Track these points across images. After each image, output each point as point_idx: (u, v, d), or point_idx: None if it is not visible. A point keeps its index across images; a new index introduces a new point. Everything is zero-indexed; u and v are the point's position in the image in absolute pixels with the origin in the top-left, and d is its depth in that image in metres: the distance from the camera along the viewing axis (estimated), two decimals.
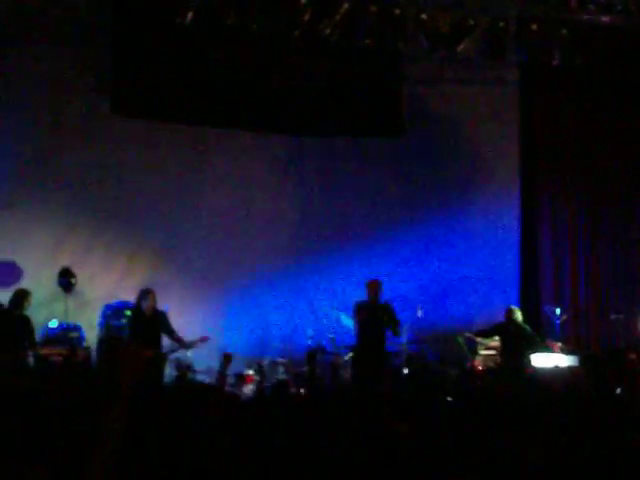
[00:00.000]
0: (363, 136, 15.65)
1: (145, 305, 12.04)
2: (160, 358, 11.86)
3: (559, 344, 13.94)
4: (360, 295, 13.02)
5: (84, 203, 14.22)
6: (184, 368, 12.56)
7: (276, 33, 14.15)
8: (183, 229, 14.71)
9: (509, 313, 13.64)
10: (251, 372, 13.15)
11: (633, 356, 12.80)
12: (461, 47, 13.78)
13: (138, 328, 11.96)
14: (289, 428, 5.56)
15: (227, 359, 8.05)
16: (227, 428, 5.59)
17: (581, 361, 13.46)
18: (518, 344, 13.31)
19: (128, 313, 12.64)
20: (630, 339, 15.12)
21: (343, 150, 15.60)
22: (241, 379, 12.91)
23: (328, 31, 13.35)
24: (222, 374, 7.98)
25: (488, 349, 14.13)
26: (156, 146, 14.64)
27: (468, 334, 14.22)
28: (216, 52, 14.70)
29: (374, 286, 12.65)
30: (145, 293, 12.18)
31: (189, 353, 12.65)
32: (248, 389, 12.66)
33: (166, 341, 12.32)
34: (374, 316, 12.36)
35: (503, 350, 13.55)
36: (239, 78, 14.85)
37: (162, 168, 14.66)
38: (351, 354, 13.03)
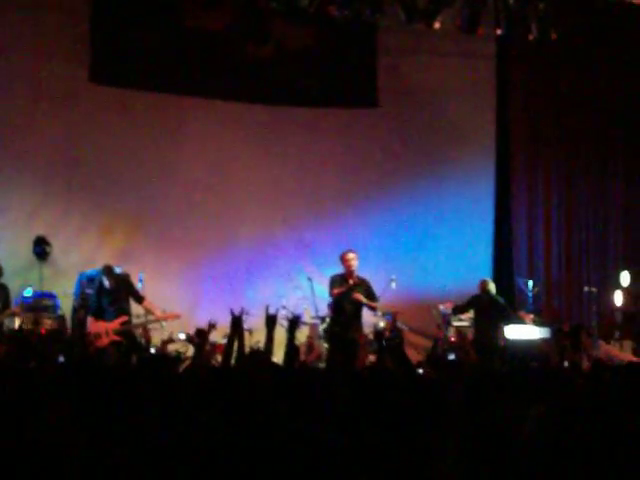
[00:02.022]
0: (338, 106, 15.67)
1: (105, 283, 11.97)
2: (127, 330, 11.83)
3: (532, 316, 14.05)
4: (335, 266, 13.07)
5: (59, 171, 14.21)
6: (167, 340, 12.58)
7: (254, 3, 14.12)
8: (159, 198, 14.70)
9: (482, 285, 13.71)
10: (224, 342, 13.15)
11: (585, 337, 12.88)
12: (438, 20, 13.76)
13: (103, 302, 11.95)
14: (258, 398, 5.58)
15: (203, 334, 8.04)
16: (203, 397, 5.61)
17: (553, 333, 13.59)
18: (491, 316, 13.38)
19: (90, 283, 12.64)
20: (602, 312, 15.29)
21: (319, 120, 15.60)
22: (215, 349, 12.92)
23: (306, 2, 13.29)
24: (200, 349, 7.98)
25: (461, 320, 14.22)
26: (133, 114, 14.61)
27: (442, 306, 14.30)
28: (193, 21, 14.68)
29: (349, 258, 12.63)
30: (104, 272, 12.07)
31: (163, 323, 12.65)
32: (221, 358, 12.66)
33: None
34: (350, 290, 12.36)
35: (476, 322, 13.63)
36: (216, 47, 14.84)
37: (138, 137, 14.63)
38: (325, 326, 13.09)
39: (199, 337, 7.71)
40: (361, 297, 12.40)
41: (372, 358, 11.82)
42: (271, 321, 7.63)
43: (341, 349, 11.96)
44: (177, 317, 12.26)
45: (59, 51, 14.16)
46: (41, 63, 14.08)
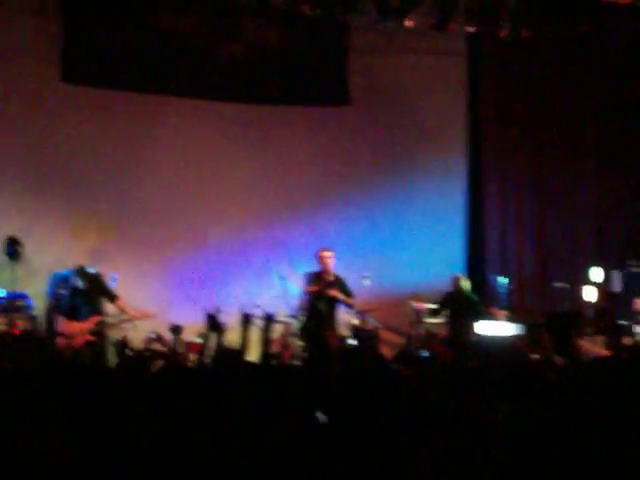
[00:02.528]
0: (310, 104, 15.70)
1: (80, 283, 11.95)
2: (101, 330, 11.80)
3: (504, 312, 14.11)
4: (308, 263, 13.09)
5: (31, 171, 14.14)
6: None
7: (225, 2, 14.13)
8: (131, 197, 14.68)
9: (455, 281, 13.77)
10: (199, 340, 13.13)
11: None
12: (409, 18, 13.82)
13: (77, 302, 11.92)
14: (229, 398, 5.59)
15: (176, 332, 8.04)
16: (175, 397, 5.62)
17: (525, 329, 13.66)
18: (464, 313, 13.43)
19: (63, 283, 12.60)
20: (574, 307, 15.36)
21: (291, 118, 15.62)
22: (189, 348, 12.89)
23: (278, 0, 13.32)
24: (173, 347, 7.98)
25: (429, 314, 14.25)
26: (105, 114, 14.57)
27: (414, 303, 14.33)
28: (165, 20, 14.66)
29: (326, 256, 12.64)
30: (76, 273, 12.05)
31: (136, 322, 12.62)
32: (196, 357, 12.64)
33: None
34: (325, 288, 12.38)
35: (450, 318, 13.67)
36: (188, 46, 14.84)
37: (111, 136, 14.60)
38: (299, 324, 13.10)
39: (174, 334, 7.72)
40: (338, 293, 12.44)
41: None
42: (246, 320, 7.65)
43: (316, 346, 11.98)
44: (151, 316, 12.24)
45: (30, 50, 14.09)
46: (11, 62, 14.00)
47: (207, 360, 7.26)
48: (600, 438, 4.95)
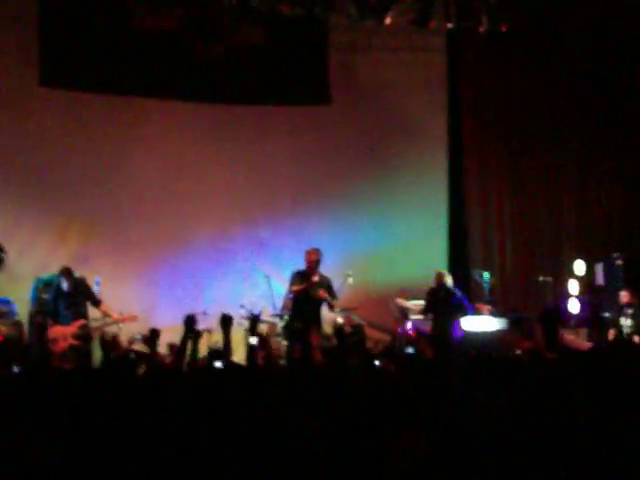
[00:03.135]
0: (292, 104, 15.69)
1: (63, 285, 11.93)
2: (86, 334, 11.76)
3: (488, 307, 14.13)
4: (290, 263, 13.09)
5: (11, 176, 14.11)
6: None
7: (204, 2, 14.12)
8: (113, 200, 14.63)
9: (438, 278, 13.75)
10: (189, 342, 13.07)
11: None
12: (389, 16, 13.81)
13: (60, 306, 11.89)
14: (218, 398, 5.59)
15: (154, 335, 8.02)
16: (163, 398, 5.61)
17: (510, 324, 13.69)
18: (448, 308, 13.42)
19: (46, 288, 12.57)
20: (557, 301, 15.42)
21: (272, 118, 15.61)
22: (173, 349, 12.86)
23: (257, 0, 13.30)
24: (153, 350, 7.95)
25: (419, 314, 14.25)
26: (84, 117, 14.53)
27: (399, 300, 14.32)
28: (144, 22, 14.62)
29: (312, 255, 12.65)
30: (62, 274, 12.03)
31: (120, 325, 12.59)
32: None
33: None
34: (311, 288, 12.39)
35: (434, 315, 13.65)
36: (167, 48, 14.81)
37: (92, 139, 14.56)
38: (283, 323, 13.08)
39: (151, 337, 7.70)
40: (325, 294, 12.46)
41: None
42: (226, 322, 7.65)
43: (301, 345, 11.97)
44: (135, 319, 12.21)
45: (7, 54, 14.07)
46: None
47: (184, 363, 7.24)
48: (586, 429, 4.98)
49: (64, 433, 4.76)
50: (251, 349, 7.66)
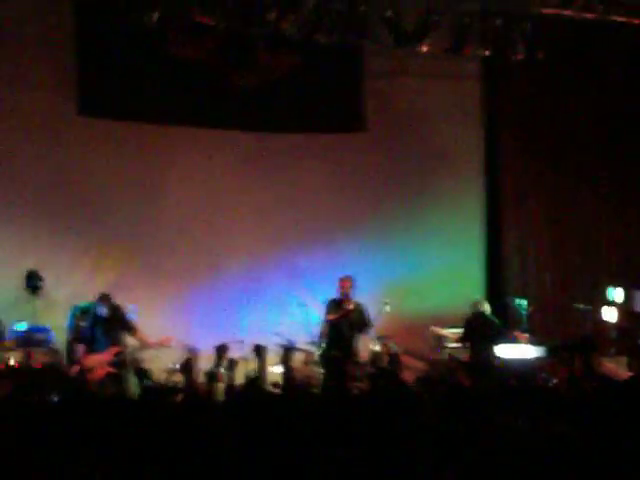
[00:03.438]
0: (326, 132, 15.70)
1: (101, 311, 11.96)
2: (121, 361, 11.77)
3: (526, 335, 14.03)
4: (326, 291, 13.06)
5: (49, 205, 14.19)
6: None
7: (240, 30, 14.16)
8: (149, 229, 14.70)
9: (475, 306, 13.67)
10: (222, 370, 13.09)
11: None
12: (425, 44, 13.80)
13: (97, 333, 11.91)
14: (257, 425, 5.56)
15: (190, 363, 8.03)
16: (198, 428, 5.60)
17: (548, 352, 13.58)
18: (485, 336, 13.34)
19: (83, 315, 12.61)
20: (595, 330, 15.27)
21: (307, 146, 15.63)
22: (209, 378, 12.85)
23: (293, 29, 13.32)
24: (189, 378, 7.95)
25: (456, 342, 14.17)
26: (121, 145, 14.64)
27: (436, 328, 14.25)
28: (180, 51, 14.68)
29: (346, 282, 12.63)
30: (101, 300, 12.07)
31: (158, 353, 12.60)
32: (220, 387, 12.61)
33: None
34: (346, 316, 12.36)
35: (471, 343, 13.56)
36: (201, 76, 14.86)
37: (127, 168, 14.66)
38: (320, 352, 13.04)
39: (187, 366, 7.70)
40: None
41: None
42: (259, 351, 7.65)
43: (337, 374, 11.93)
44: (170, 341, 12.14)
45: (46, 84, 14.16)
46: (28, 97, 14.05)
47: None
48: (627, 460, 4.91)
49: (101, 461, 4.75)
50: (287, 377, 7.64)
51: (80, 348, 11.85)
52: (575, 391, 7.05)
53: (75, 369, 11.63)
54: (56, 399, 8.07)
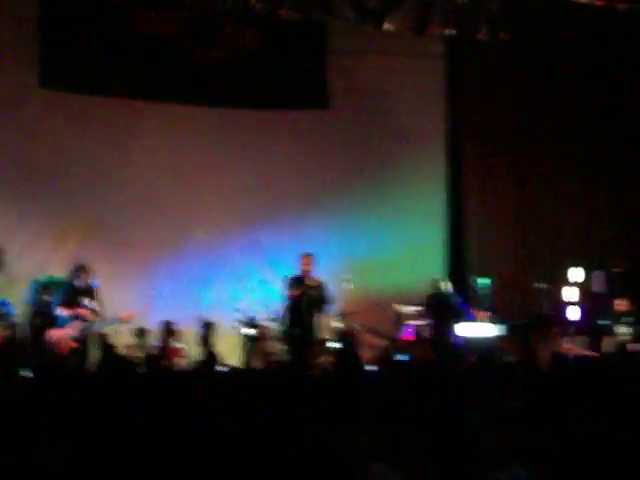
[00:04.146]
0: (290, 108, 15.69)
1: (78, 282, 11.92)
2: (84, 336, 11.73)
3: (487, 313, 14.13)
4: (288, 268, 13.09)
5: (10, 179, 14.10)
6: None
7: (203, 6, 14.13)
8: (112, 202, 14.62)
9: (434, 283, 13.75)
10: (181, 345, 13.10)
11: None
12: (389, 22, 13.82)
13: (70, 303, 11.84)
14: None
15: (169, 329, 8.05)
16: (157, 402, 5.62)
17: (508, 330, 13.70)
18: (446, 314, 13.42)
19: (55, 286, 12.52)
20: (553, 308, 15.41)
21: (271, 123, 15.60)
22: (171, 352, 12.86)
23: (258, 4, 13.30)
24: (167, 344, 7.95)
25: (415, 319, 14.24)
26: (84, 119, 14.54)
27: (396, 305, 14.32)
28: (144, 25, 14.63)
29: (307, 260, 12.64)
30: (78, 270, 12.02)
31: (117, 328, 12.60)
32: (178, 362, 12.63)
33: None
34: (306, 293, 12.38)
35: (432, 320, 13.63)
36: (167, 50, 14.82)
37: (90, 141, 14.56)
38: (280, 329, 13.06)
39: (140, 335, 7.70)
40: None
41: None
42: (207, 327, 7.65)
43: (298, 350, 11.97)
44: (132, 317, 12.14)
45: (8, 56, 14.05)
46: None
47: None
48: (582, 435, 4.99)
49: (64, 434, 4.76)
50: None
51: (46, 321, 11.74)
52: (530, 369, 7.13)
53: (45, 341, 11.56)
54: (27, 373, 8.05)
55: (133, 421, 5.02)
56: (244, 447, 4.70)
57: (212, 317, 13.24)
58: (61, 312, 11.81)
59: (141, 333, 7.90)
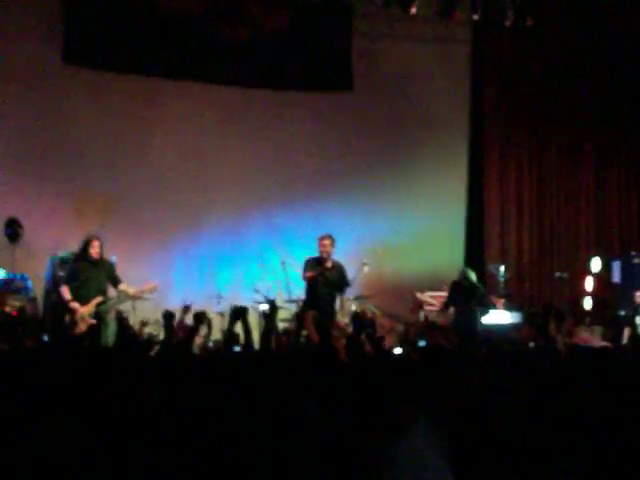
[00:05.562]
0: (313, 89, 15.66)
1: (91, 251, 11.80)
2: (103, 314, 11.65)
3: (503, 301, 14.10)
4: (308, 249, 13.05)
5: (31, 153, 14.12)
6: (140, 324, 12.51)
7: None
8: (132, 179, 14.64)
9: (463, 273, 13.59)
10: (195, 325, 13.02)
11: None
12: (414, 6, 13.78)
13: (82, 275, 11.77)
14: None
15: (186, 311, 8.05)
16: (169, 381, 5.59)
17: (525, 318, 13.65)
18: (470, 302, 13.31)
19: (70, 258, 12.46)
20: (573, 297, 15.38)
21: (293, 103, 15.57)
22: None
23: None
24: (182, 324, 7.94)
25: (433, 306, 14.18)
26: (106, 96, 14.54)
27: (418, 294, 14.27)
28: (170, 4, 14.61)
29: (326, 241, 12.58)
30: (90, 240, 11.91)
31: (135, 305, 12.60)
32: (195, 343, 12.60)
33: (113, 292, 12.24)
34: (324, 274, 12.33)
35: (455, 308, 13.48)
36: (191, 29, 14.79)
37: (111, 118, 14.58)
38: (297, 311, 13.02)
39: (167, 320, 7.68)
40: None
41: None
42: (237, 314, 7.58)
43: (321, 332, 11.92)
44: (154, 289, 12.03)
45: (31, 32, 14.06)
46: (13, 44, 13.97)
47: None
48: (595, 425, 4.97)
49: (74, 413, 4.75)
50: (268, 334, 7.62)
51: (65, 290, 11.65)
52: (545, 357, 7.09)
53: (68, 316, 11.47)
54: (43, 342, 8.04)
55: (145, 400, 5.01)
56: (250, 430, 4.68)
57: (229, 297, 13.26)
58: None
59: (169, 316, 7.88)
